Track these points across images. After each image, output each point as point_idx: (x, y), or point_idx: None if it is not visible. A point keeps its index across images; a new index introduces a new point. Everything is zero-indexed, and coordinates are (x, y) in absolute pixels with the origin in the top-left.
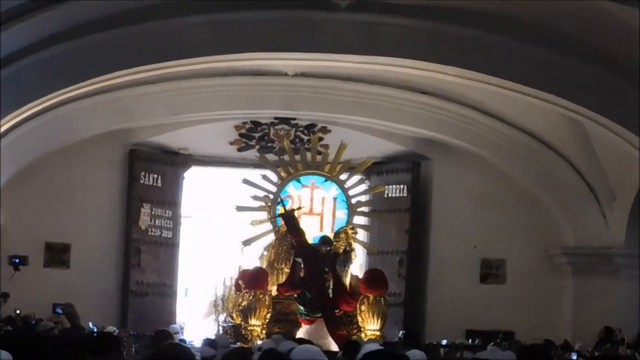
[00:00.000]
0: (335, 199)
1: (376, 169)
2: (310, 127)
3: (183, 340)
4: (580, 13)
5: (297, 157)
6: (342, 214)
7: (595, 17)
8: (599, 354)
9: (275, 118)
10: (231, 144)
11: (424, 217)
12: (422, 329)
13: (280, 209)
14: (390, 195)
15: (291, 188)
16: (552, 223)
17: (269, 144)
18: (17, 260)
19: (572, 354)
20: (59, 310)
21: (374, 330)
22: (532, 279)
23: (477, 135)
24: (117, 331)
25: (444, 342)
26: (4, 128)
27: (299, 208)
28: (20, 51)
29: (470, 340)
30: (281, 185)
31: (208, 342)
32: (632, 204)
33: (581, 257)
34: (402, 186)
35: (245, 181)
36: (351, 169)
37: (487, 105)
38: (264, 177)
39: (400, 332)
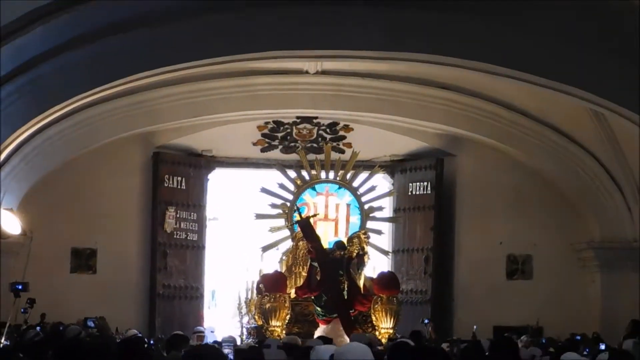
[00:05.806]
0: (348, 205)
1: (400, 167)
2: (332, 126)
3: (217, 342)
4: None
5: (315, 157)
6: (355, 219)
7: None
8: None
9: (298, 117)
10: (254, 144)
11: (449, 214)
12: (451, 326)
13: (296, 217)
14: (414, 192)
15: (307, 196)
16: (578, 218)
17: (292, 144)
18: (19, 287)
19: (601, 344)
20: (91, 324)
21: (387, 328)
22: (559, 274)
23: (501, 131)
24: (139, 334)
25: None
26: (27, 134)
27: (315, 215)
28: (40, 56)
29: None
30: (297, 193)
31: None
32: None
33: (607, 251)
34: (426, 183)
35: (264, 190)
36: (370, 167)
37: (511, 100)
38: (281, 186)
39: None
